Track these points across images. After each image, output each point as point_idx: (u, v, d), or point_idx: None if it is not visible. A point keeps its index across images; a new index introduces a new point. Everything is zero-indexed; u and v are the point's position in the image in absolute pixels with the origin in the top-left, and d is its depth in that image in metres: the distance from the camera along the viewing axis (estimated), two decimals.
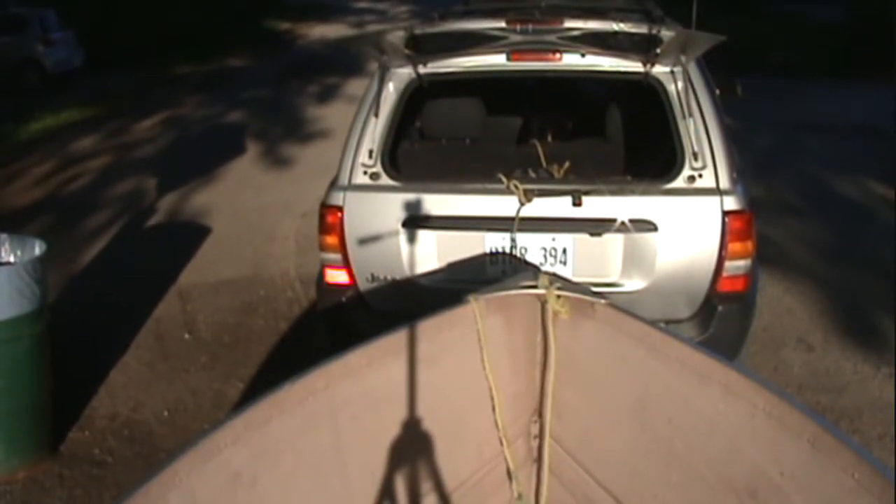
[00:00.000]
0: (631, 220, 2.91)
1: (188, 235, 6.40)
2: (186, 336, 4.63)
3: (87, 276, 5.62)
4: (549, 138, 3.83)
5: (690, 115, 2.94)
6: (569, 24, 2.98)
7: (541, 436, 2.33)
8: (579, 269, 3.01)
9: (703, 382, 1.82)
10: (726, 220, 2.87)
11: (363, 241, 3.07)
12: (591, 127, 3.70)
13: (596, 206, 2.93)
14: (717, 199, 2.88)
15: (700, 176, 2.93)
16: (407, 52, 3.06)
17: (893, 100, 9.52)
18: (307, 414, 1.84)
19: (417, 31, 3.07)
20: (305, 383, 1.84)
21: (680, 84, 2.98)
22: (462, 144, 3.66)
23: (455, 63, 3.15)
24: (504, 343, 2.26)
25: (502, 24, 3.01)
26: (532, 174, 3.22)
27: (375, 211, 3.08)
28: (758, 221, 3.01)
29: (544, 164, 3.32)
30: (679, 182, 2.94)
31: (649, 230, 2.91)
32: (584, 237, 3.00)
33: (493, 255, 3.06)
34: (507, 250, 3.03)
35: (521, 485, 2.33)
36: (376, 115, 3.13)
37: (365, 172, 3.11)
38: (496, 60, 3.12)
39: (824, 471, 1.53)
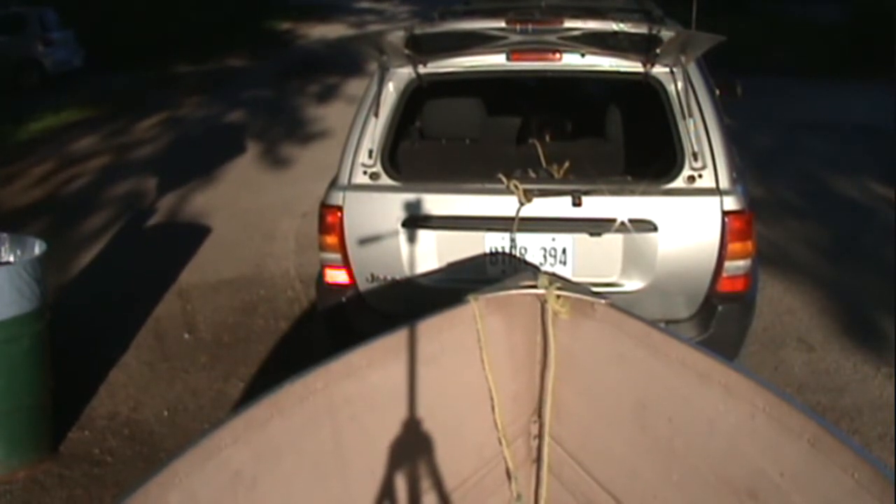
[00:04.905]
0: (631, 220, 2.90)
1: (188, 235, 6.40)
2: (186, 336, 4.63)
3: (87, 275, 5.62)
4: (549, 138, 3.83)
5: (690, 115, 2.94)
6: (569, 24, 2.98)
7: (540, 436, 2.33)
8: (579, 269, 3.01)
9: (703, 382, 1.82)
10: (726, 220, 2.87)
11: (363, 241, 3.07)
12: (591, 127, 3.70)
13: (596, 206, 2.93)
14: (716, 199, 2.88)
15: (700, 176, 2.93)
16: (407, 52, 3.06)
17: (893, 100, 9.51)
18: (307, 414, 1.84)
19: (417, 31, 3.07)
20: (305, 383, 1.84)
21: (680, 84, 2.98)
22: (462, 144, 3.66)
23: (455, 63, 3.15)
24: (504, 343, 2.26)
25: (502, 24, 3.01)
26: (532, 174, 3.22)
27: (375, 211, 3.07)
28: (758, 221, 3.01)
29: (544, 164, 3.32)
30: (679, 182, 2.94)
31: (649, 230, 2.91)
32: (583, 237, 3.00)
33: (493, 255, 3.06)
34: (507, 250, 3.03)
35: (521, 485, 2.33)
36: (376, 115, 3.13)
37: (365, 172, 3.11)
38: (496, 60, 3.12)
39: (824, 471, 1.53)
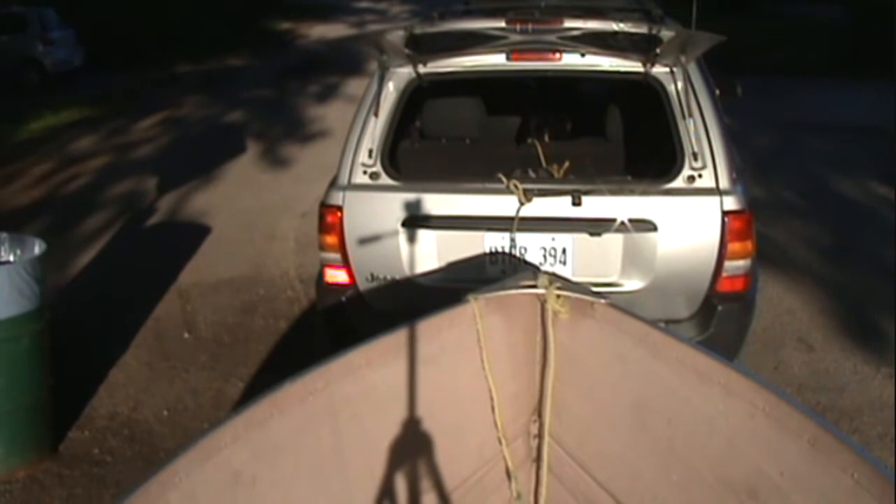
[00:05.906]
0: (630, 220, 2.91)
1: (188, 235, 6.39)
2: (186, 335, 4.63)
3: (87, 275, 5.62)
4: (549, 138, 3.83)
5: (690, 115, 2.94)
6: (569, 23, 2.98)
7: (540, 435, 2.33)
8: (579, 268, 3.01)
9: (703, 382, 1.82)
10: (726, 220, 2.87)
11: (363, 241, 3.07)
12: (591, 127, 3.70)
13: (596, 205, 2.93)
14: (716, 199, 2.88)
15: (700, 176, 2.93)
16: (407, 51, 3.06)
17: (893, 100, 9.52)
18: (307, 413, 1.84)
19: (417, 31, 3.07)
20: (305, 383, 1.84)
21: (680, 84, 2.98)
22: (462, 144, 3.66)
23: (455, 63, 3.15)
24: (504, 343, 2.26)
25: (502, 24, 3.01)
26: (532, 174, 3.22)
27: (375, 210, 3.08)
28: (757, 221, 3.01)
29: (544, 163, 3.32)
30: (679, 182, 2.94)
31: (649, 230, 2.91)
32: (583, 237, 3.00)
33: (493, 255, 3.06)
34: (507, 250, 3.03)
35: (521, 484, 2.33)
36: (376, 114, 3.13)
37: (365, 172, 3.11)
38: (496, 60, 3.12)
39: (824, 471, 1.53)
